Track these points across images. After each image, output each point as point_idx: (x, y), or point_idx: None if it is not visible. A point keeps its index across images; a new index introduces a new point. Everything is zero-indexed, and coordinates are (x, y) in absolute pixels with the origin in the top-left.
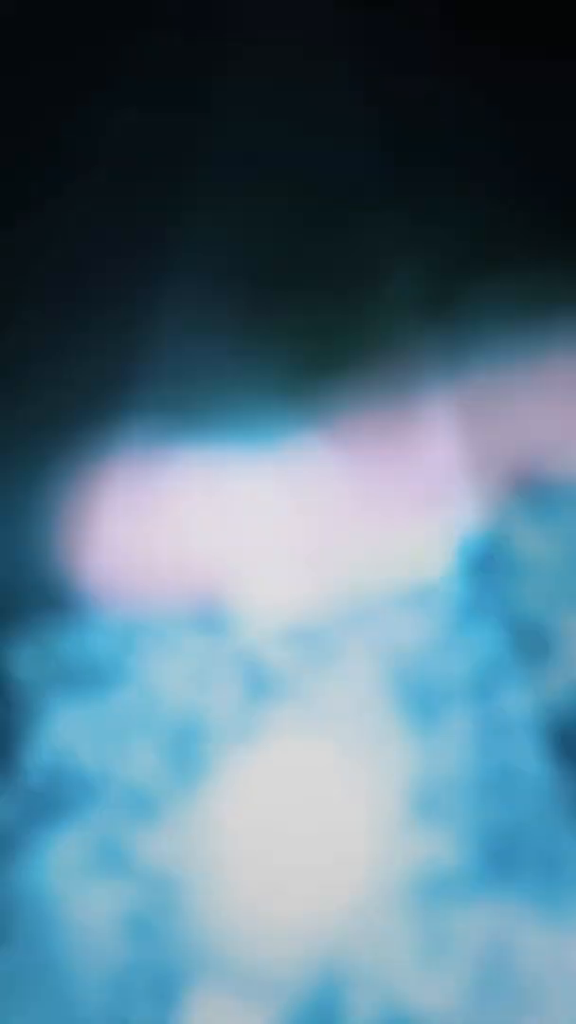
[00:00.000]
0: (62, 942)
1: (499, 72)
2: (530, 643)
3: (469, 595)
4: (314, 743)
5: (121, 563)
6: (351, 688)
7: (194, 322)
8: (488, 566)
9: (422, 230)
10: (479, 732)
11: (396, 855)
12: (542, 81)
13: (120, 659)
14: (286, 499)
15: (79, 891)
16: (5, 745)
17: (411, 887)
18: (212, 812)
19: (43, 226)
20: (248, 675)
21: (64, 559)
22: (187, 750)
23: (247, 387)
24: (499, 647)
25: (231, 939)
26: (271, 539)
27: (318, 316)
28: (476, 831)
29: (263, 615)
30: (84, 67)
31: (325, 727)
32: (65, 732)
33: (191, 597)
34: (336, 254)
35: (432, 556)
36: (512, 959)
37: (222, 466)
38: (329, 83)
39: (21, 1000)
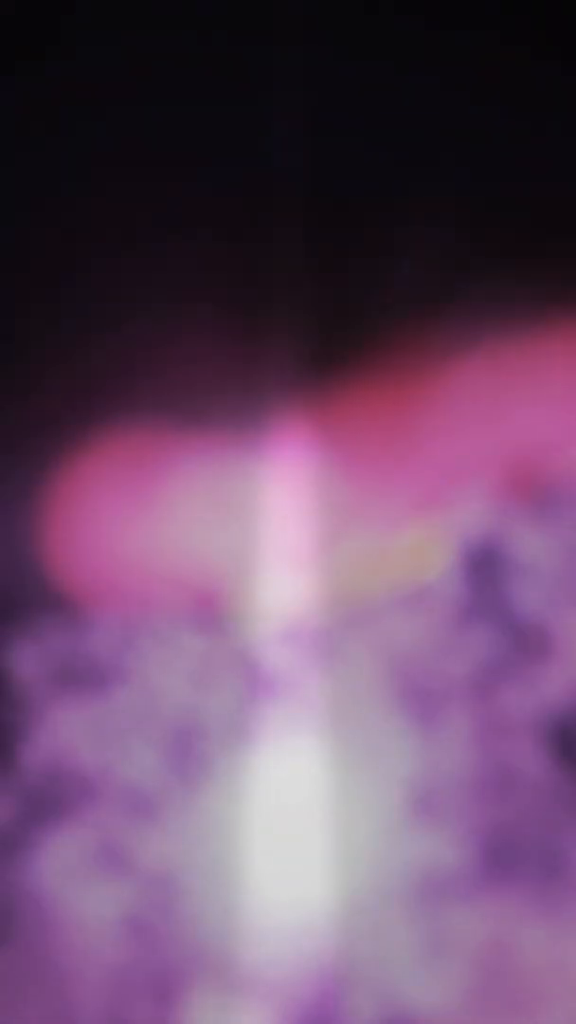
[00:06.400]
0: (62, 942)
1: (500, 73)
2: (530, 643)
3: (469, 595)
4: (314, 743)
5: (121, 563)
6: (351, 688)
7: (193, 322)
8: (488, 566)
9: (422, 230)
10: (479, 732)
11: (396, 855)
12: (542, 84)
13: (120, 659)
14: (285, 499)
15: (79, 891)
16: (5, 745)
17: (411, 887)
18: (212, 812)
19: (42, 225)
20: (248, 675)
21: (64, 560)
22: (187, 750)
23: (246, 386)
24: (499, 647)
25: (231, 939)
26: (271, 539)
27: (319, 315)
28: (476, 831)
29: (263, 615)
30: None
31: (325, 727)
32: (65, 732)
33: (191, 597)
34: (337, 254)
35: (432, 556)
36: (512, 959)
37: (221, 465)
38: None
39: (21, 1000)
